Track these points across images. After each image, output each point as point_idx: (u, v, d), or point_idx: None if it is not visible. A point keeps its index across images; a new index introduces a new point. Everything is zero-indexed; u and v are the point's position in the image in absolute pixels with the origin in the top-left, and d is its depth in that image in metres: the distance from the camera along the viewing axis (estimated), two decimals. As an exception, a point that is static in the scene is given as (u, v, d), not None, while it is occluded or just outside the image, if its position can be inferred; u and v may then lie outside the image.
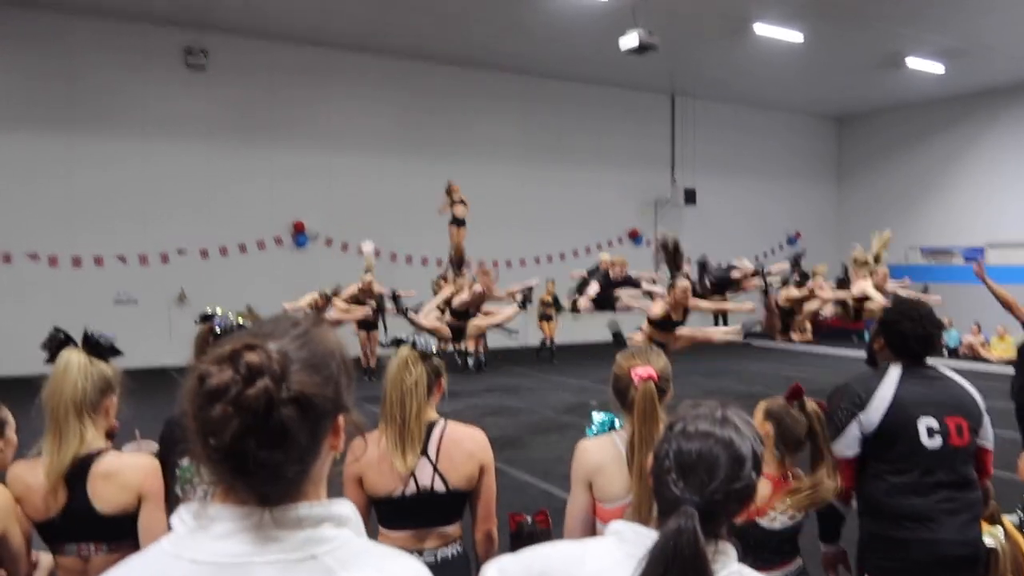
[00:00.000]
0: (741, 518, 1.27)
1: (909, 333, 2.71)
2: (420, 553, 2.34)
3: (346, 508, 1.02)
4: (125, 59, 12.97)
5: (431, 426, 2.41)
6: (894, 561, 2.62)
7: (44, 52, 12.40)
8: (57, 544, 2.16)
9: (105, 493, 2.11)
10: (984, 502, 2.81)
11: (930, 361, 2.81)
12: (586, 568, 1.25)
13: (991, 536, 2.67)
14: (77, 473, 2.11)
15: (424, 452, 2.36)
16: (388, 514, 2.39)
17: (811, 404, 2.63)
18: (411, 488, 2.34)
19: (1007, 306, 5.75)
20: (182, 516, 0.99)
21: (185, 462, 2.37)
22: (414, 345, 2.44)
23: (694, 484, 1.20)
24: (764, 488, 2.57)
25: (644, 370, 2.22)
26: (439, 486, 2.35)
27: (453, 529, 2.43)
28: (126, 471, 2.15)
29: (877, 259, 9.70)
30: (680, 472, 1.22)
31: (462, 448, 2.40)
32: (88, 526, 2.12)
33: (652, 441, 2.10)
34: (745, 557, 2.54)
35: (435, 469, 2.36)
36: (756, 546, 2.48)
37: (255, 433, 0.92)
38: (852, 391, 2.73)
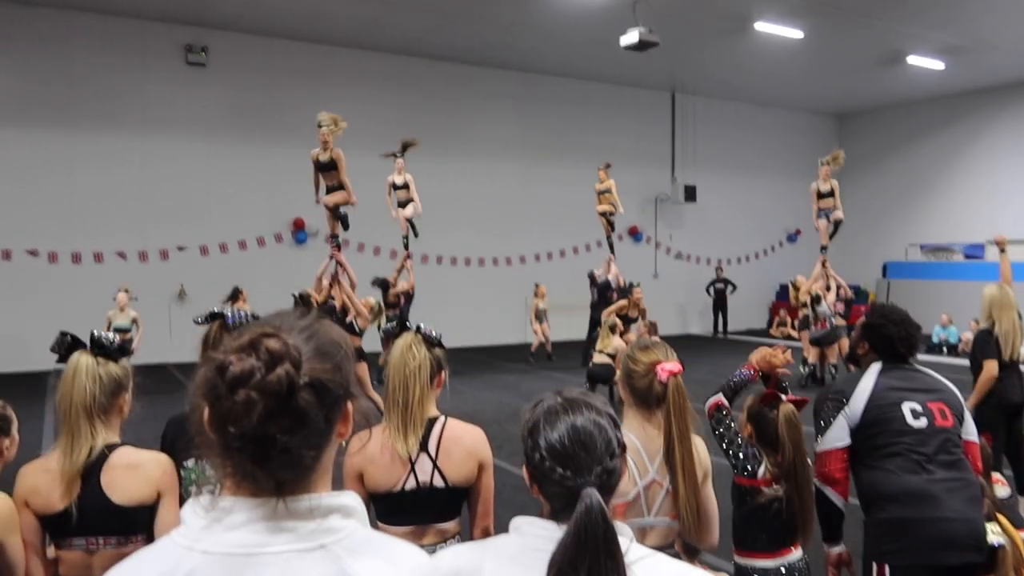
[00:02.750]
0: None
1: (895, 336, 2.87)
2: (419, 549, 2.34)
3: (353, 499, 1.06)
4: (125, 56, 12.97)
5: (432, 422, 2.41)
6: (898, 543, 2.63)
7: (44, 49, 12.39)
8: (65, 539, 2.17)
9: (125, 483, 2.14)
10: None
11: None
12: (486, 565, 1.29)
13: (997, 533, 2.68)
14: (91, 466, 2.14)
15: (424, 448, 2.37)
16: (387, 509, 2.39)
17: (785, 408, 2.70)
18: (411, 483, 2.34)
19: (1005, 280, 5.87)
20: (194, 509, 1.01)
21: (190, 463, 2.38)
22: (418, 330, 2.45)
23: (581, 468, 1.25)
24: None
25: (672, 365, 2.23)
26: (438, 482, 2.36)
27: (452, 525, 2.43)
28: (148, 464, 2.19)
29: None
30: (563, 464, 1.25)
31: (461, 445, 2.40)
32: (100, 519, 2.14)
33: (688, 433, 2.16)
34: (759, 535, 2.62)
35: (435, 465, 2.36)
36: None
37: (277, 417, 0.95)
38: (837, 389, 2.91)
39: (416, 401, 2.36)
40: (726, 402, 2.79)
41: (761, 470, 2.67)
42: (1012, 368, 5.11)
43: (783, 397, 2.74)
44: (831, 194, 11.04)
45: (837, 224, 11.12)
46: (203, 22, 13.25)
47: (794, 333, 13.36)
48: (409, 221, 11.08)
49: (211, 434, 0.97)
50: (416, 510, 2.37)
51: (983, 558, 2.62)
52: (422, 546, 2.35)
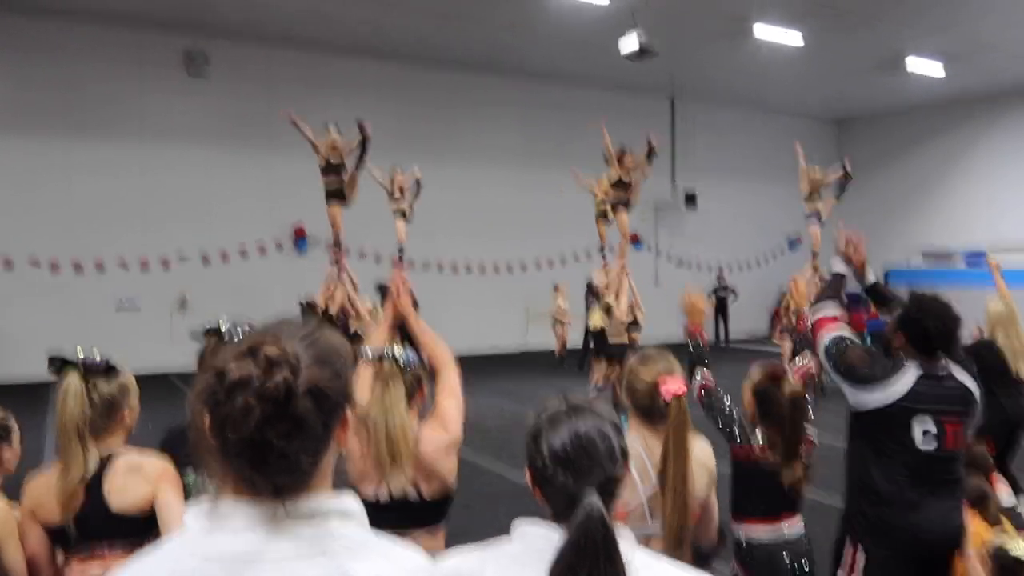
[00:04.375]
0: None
1: (932, 330, 2.73)
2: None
3: (352, 502, 1.07)
4: (125, 65, 13.00)
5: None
6: (877, 536, 2.69)
7: (43, 58, 12.42)
8: (72, 549, 2.19)
9: (126, 487, 2.17)
10: (983, 503, 2.83)
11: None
12: (488, 566, 1.30)
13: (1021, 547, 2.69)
14: (93, 479, 2.18)
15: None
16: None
17: (793, 390, 2.73)
18: (385, 495, 2.35)
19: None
20: (195, 514, 1.02)
21: (190, 472, 2.38)
22: (394, 358, 2.40)
23: (582, 474, 1.26)
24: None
25: (676, 385, 2.18)
26: (413, 495, 2.37)
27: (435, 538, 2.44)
28: (147, 465, 2.24)
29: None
30: (565, 469, 1.27)
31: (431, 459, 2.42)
32: (103, 528, 2.16)
33: (685, 456, 2.12)
34: (758, 504, 2.69)
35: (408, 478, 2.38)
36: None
37: (275, 423, 0.96)
38: (873, 373, 2.74)
39: (400, 435, 2.34)
40: (710, 381, 2.83)
41: (755, 439, 2.73)
42: (1019, 385, 5.08)
43: (789, 376, 2.75)
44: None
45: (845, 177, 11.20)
46: (203, 31, 13.28)
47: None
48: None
49: (211, 439, 0.98)
50: (398, 522, 2.37)
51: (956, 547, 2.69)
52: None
